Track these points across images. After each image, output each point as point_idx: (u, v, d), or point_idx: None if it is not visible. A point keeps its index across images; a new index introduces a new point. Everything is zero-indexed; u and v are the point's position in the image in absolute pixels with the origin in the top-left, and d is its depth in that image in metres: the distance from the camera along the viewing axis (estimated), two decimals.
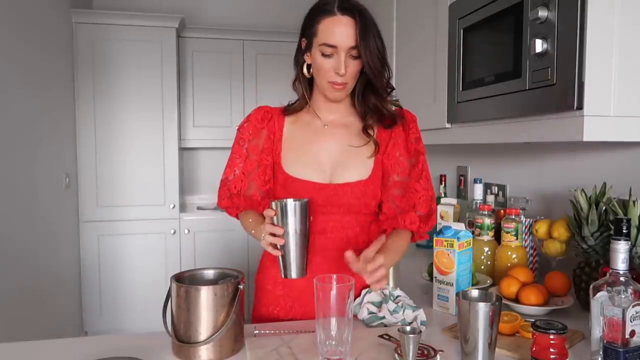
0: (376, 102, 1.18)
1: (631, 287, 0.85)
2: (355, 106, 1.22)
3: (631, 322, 0.82)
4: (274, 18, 3.58)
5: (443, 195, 2.17)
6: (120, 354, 0.93)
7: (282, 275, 1.03)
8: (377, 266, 0.96)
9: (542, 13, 1.08)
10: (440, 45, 1.65)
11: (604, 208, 1.21)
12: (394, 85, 1.20)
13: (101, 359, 0.90)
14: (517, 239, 1.43)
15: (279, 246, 1.01)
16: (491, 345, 0.87)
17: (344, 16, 1.07)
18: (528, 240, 1.51)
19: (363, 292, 1.17)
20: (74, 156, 3.01)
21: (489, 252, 1.52)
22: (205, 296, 0.93)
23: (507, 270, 1.36)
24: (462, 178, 2.18)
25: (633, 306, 0.82)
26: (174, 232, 3.20)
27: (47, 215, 2.56)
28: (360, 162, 1.19)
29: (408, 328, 0.87)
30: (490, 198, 1.81)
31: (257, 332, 1.05)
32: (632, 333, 0.82)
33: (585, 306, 1.19)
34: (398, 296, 1.14)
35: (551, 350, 0.82)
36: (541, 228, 1.38)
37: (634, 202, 1.11)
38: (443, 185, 2.20)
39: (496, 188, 1.90)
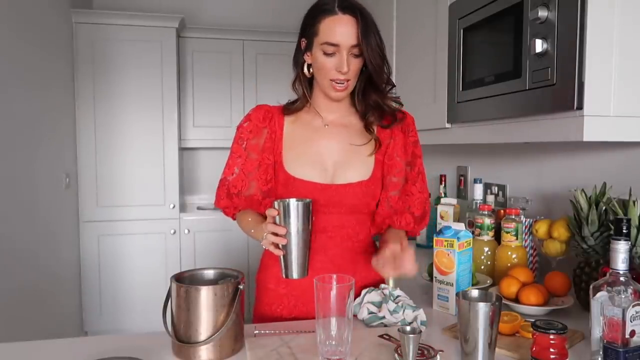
0: (377, 98, 1.18)
1: (631, 287, 0.85)
2: (356, 105, 1.22)
3: (631, 322, 0.82)
4: (274, 18, 3.58)
5: (443, 195, 2.17)
6: (120, 354, 0.93)
7: (283, 275, 1.03)
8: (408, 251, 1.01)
9: (542, 13, 1.08)
10: (440, 45, 1.65)
11: (604, 208, 1.21)
12: (394, 82, 1.21)
13: (101, 359, 0.90)
14: (517, 239, 1.43)
15: (280, 246, 1.01)
16: (491, 345, 0.87)
17: (345, 15, 1.08)
18: (528, 240, 1.51)
19: (363, 292, 1.17)
20: (74, 156, 3.01)
21: (489, 252, 1.52)
22: (205, 296, 0.93)
23: (507, 270, 1.36)
24: (462, 178, 2.18)
25: (633, 306, 0.82)
26: (174, 232, 3.20)
27: (47, 215, 2.56)
28: (361, 162, 1.19)
29: (408, 328, 0.87)
30: (490, 198, 1.81)
31: (257, 332, 1.05)
32: (632, 333, 0.82)
33: (585, 306, 1.19)
34: (398, 296, 1.14)
35: (551, 350, 0.82)
36: (541, 228, 1.38)
37: (634, 202, 1.11)
38: (443, 185, 2.20)
39: (496, 188, 1.90)
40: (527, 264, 1.46)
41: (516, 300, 1.21)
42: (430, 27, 1.75)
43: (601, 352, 0.85)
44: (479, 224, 1.53)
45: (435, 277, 1.23)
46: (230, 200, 1.22)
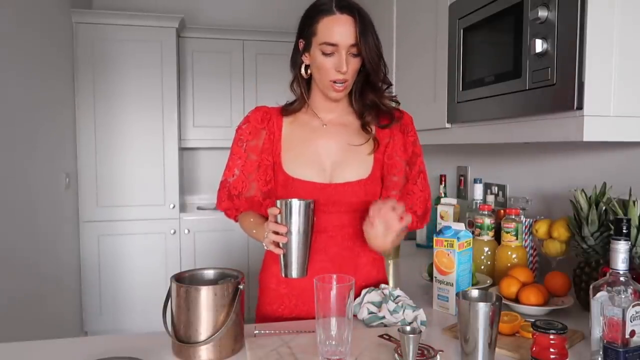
0: (374, 98, 1.19)
1: (631, 287, 0.85)
2: (353, 105, 1.23)
3: (631, 322, 0.82)
4: (274, 18, 3.58)
5: (443, 195, 2.17)
6: (120, 354, 0.93)
7: (283, 274, 1.04)
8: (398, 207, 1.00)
9: (542, 13, 1.08)
10: (440, 45, 1.65)
11: (604, 208, 1.21)
12: (391, 81, 1.21)
13: (101, 359, 0.90)
14: (517, 239, 1.43)
15: (281, 245, 1.01)
16: (491, 345, 0.87)
17: (343, 15, 1.09)
18: (528, 240, 1.51)
19: (363, 292, 1.17)
20: (74, 156, 3.01)
21: (489, 252, 1.52)
22: (205, 296, 0.93)
23: (507, 270, 1.36)
24: (462, 178, 2.18)
25: (633, 306, 0.82)
26: (174, 232, 3.20)
27: (47, 215, 2.56)
28: (359, 161, 1.19)
29: (408, 328, 0.87)
30: (490, 198, 1.81)
31: (257, 332, 1.05)
32: (632, 333, 0.82)
33: (585, 306, 1.19)
34: (398, 296, 1.14)
35: (551, 350, 0.82)
36: (541, 228, 1.38)
37: (634, 202, 1.11)
38: (443, 185, 2.20)
39: (496, 188, 1.90)
40: (527, 264, 1.46)
41: (516, 300, 1.21)
42: (430, 27, 1.75)
43: (601, 352, 0.85)
44: (479, 224, 1.53)
45: (435, 277, 1.23)
46: (231, 202, 1.22)
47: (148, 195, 3.15)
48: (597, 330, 0.87)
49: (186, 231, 3.23)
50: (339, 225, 1.19)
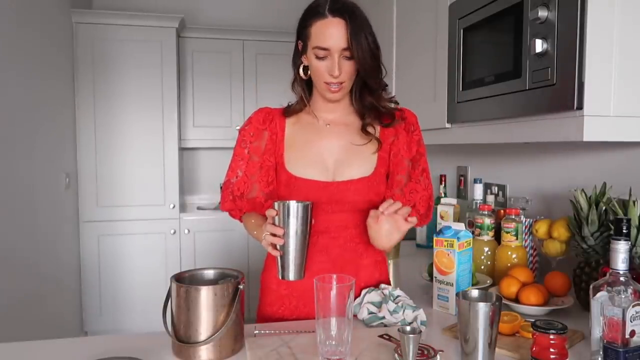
0: (372, 100, 1.19)
1: (631, 287, 0.85)
2: (353, 105, 1.22)
3: (631, 322, 0.82)
4: (274, 18, 3.58)
5: (443, 195, 2.17)
6: (120, 354, 0.93)
7: (280, 276, 1.03)
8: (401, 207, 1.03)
9: (542, 13, 1.08)
10: (440, 44, 1.65)
11: (604, 208, 1.21)
12: (386, 83, 1.21)
13: (101, 359, 0.90)
14: (517, 239, 1.43)
15: (278, 247, 1.01)
16: (491, 345, 0.87)
17: (334, 18, 1.08)
18: (528, 240, 1.51)
19: (363, 292, 1.17)
20: (74, 156, 3.01)
21: (489, 252, 1.52)
22: (205, 296, 0.93)
23: (507, 270, 1.36)
24: (462, 178, 2.18)
25: (633, 306, 0.82)
26: (174, 232, 3.20)
27: (47, 215, 2.56)
28: (362, 159, 1.19)
29: (408, 328, 0.87)
30: (490, 198, 1.81)
31: (257, 332, 1.05)
32: (632, 333, 0.82)
33: (585, 306, 1.19)
34: (398, 296, 1.14)
35: (551, 350, 0.82)
36: (541, 228, 1.38)
37: (634, 202, 1.11)
38: (443, 185, 2.20)
39: (496, 188, 1.90)
40: (527, 264, 1.46)
41: (516, 300, 1.21)
42: (430, 27, 1.75)
43: (601, 352, 0.85)
44: (479, 224, 1.53)
45: (435, 277, 1.23)
46: (234, 203, 1.22)
47: (148, 195, 3.15)
48: (597, 330, 0.87)
49: (186, 231, 3.23)
50: (341, 226, 1.18)
